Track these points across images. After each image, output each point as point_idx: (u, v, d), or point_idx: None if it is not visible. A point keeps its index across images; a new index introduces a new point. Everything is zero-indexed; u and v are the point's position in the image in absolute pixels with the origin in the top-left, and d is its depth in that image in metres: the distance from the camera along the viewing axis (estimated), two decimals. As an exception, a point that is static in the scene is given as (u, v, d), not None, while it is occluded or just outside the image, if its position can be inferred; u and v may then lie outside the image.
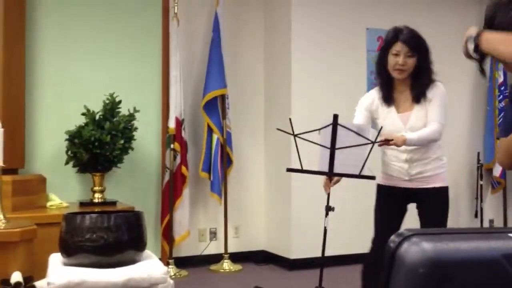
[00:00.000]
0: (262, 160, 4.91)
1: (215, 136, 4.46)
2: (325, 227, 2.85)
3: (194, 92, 4.63)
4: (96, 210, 3.67)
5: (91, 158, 3.82)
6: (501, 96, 5.20)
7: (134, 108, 4.05)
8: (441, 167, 2.71)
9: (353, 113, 5.09)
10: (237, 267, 4.52)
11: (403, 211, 2.77)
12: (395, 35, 2.62)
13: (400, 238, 0.65)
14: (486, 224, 5.33)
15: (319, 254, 4.50)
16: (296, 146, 2.75)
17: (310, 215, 4.34)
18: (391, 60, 2.60)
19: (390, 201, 2.77)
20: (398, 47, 2.59)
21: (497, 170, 5.20)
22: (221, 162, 4.48)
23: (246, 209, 4.85)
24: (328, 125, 2.73)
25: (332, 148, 2.69)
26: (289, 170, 3.03)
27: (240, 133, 4.75)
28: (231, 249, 4.62)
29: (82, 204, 3.90)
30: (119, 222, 2.47)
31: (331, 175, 2.71)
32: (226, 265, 4.50)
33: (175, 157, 4.32)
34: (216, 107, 4.48)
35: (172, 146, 4.30)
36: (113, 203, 3.91)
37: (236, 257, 4.63)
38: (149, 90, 4.50)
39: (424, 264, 0.62)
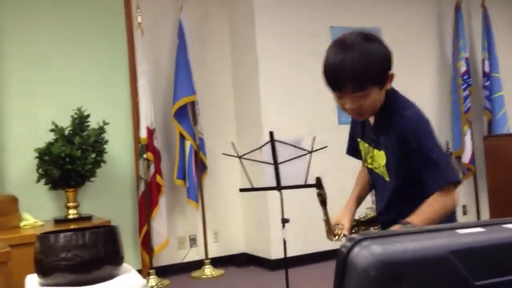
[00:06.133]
0: (236, 163, 4.92)
1: (187, 143, 4.46)
2: (284, 239, 3.04)
3: (164, 101, 4.62)
4: (72, 226, 3.63)
5: (62, 174, 3.78)
6: (465, 85, 5.31)
7: (104, 121, 4.02)
8: None
9: (323, 108, 5.16)
10: (219, 271, 4.52)
11: None
12: None
13: (351, 243, 0.68)
14: (459, 209, 5.46)
15: (300, 253, 4.56)
16: (243, 166, 2.90)
17: (288, 213, 4.37)
18: None
19: None
20: None
21: (466, 157, 5.32)
22: (195, 168, 4.48)
23: (224, 213, 4.85)
24: (266, 143, 2.89)
25: (275, 164, 2.84)
26: (241, 190, 3.32)
27: (212, 138, 4.75)
28: (211, 254, 4.62)
29: (57, 221, 3.85)
30: (94, 239, 2.44)
31: (279, 189, 2.92)
32: (208, 270, 4.50)
33: (148, 167, 4.30)
34: (187, 114, 4.48)
35: (145, 156, 4.27)
36: (89, 218, 3.88)
37: (217, 262, 4.64)
38: (118, 101, 4.47)
39: (374, 266, 0.65)
